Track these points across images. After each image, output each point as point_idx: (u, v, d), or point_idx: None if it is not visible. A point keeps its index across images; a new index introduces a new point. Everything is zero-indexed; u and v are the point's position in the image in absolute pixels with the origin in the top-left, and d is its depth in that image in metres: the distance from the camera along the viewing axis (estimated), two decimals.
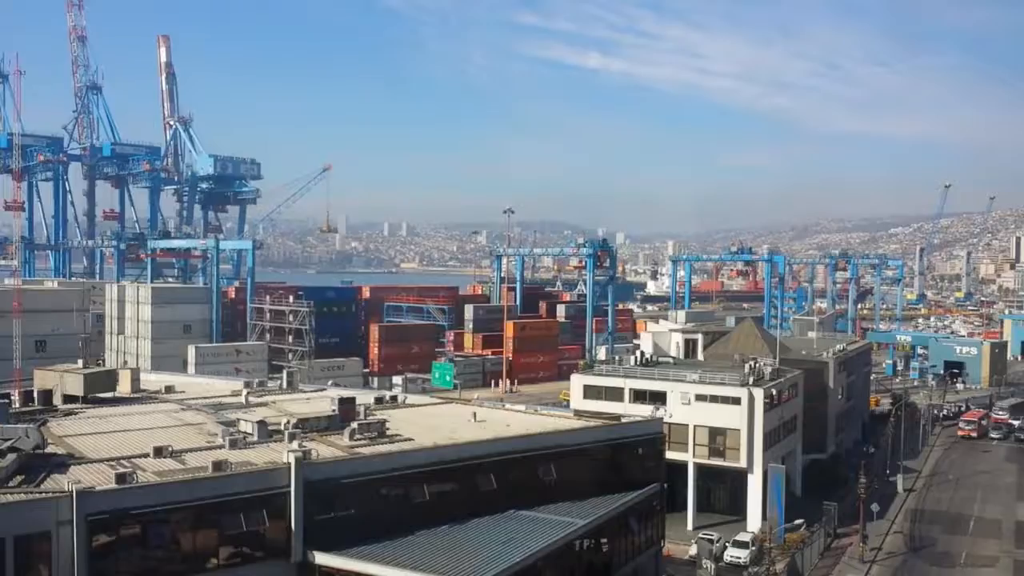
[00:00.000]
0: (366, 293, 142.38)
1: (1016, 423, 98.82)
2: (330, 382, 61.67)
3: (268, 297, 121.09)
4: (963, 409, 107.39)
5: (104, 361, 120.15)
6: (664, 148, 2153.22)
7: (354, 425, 39.42)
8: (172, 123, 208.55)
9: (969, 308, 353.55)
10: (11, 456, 31.32)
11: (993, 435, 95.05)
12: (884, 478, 74.16)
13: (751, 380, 61.58)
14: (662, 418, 47.66)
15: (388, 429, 40.23)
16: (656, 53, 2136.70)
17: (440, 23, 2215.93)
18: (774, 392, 62.37)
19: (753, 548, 55.68)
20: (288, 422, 39.50)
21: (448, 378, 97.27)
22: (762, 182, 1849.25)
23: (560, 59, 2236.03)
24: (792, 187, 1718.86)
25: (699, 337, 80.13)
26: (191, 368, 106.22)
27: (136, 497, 29.75)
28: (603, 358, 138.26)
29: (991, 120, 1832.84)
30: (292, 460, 32.85)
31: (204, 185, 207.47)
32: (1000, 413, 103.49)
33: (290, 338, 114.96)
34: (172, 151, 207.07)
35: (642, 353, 73.47)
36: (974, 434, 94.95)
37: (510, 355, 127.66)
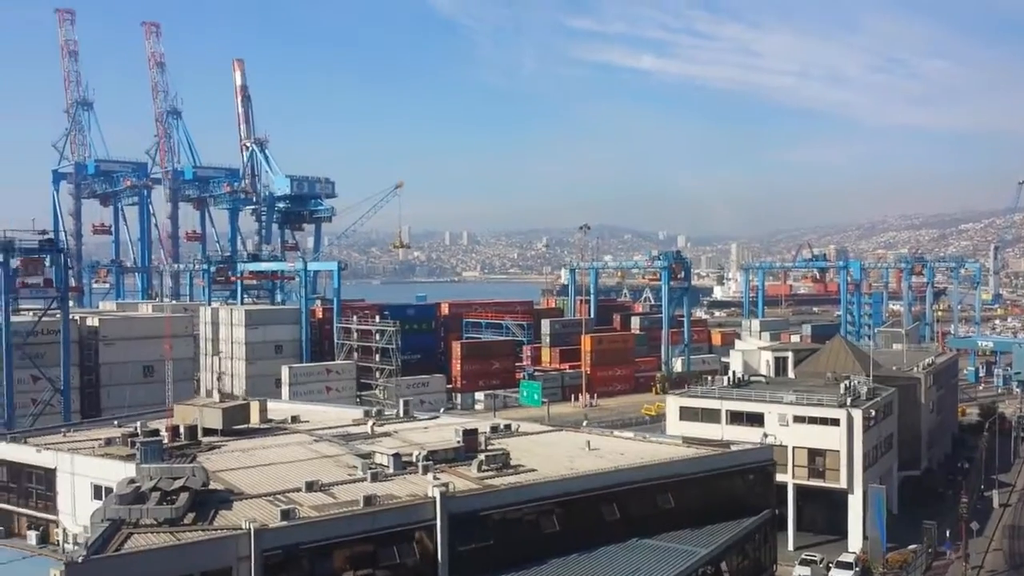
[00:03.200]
0: (445, 310, 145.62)
1: None
2: (442, 409, 64.23)
3: (355, 317, 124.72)
4: None
5: (199, 381, 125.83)
6: (722, 148, 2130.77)
7: (481, 457, 41.63)
8: (249, 144, 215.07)
9: None
10: (184, 495, 34.18)
11: None
12: (979, 493, 74.18)
13: (848, 400, 62.52)
14: (772, 445, 49.03)
15: (511, 460, 42.36)
16: (711, 52, 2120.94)
17: (495, 31, 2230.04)
18: (872, 412, 63.18)
19: (856, 569, 56.73)
20: (419, 454, 41.86)
21: (536, 396, 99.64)
22: (825, 179, 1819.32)
23: (613, 62, 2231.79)
24: (856, 184, 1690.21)
25: (789, 355, 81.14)
26: (284, 388, 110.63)
27: (304, 533, 32.38)
28: (679, 370, 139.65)
29: None
30: (437, 494, 35.22)
31: (281, 204, 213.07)
32: None
33: (377, 357, 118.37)
34: (249, 172, 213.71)
35: (734, 373, 74.78)
36: None
37: (588, 369, 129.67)
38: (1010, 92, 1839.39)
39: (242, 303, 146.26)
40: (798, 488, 63.01)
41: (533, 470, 41.31)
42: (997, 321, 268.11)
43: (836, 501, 63.60)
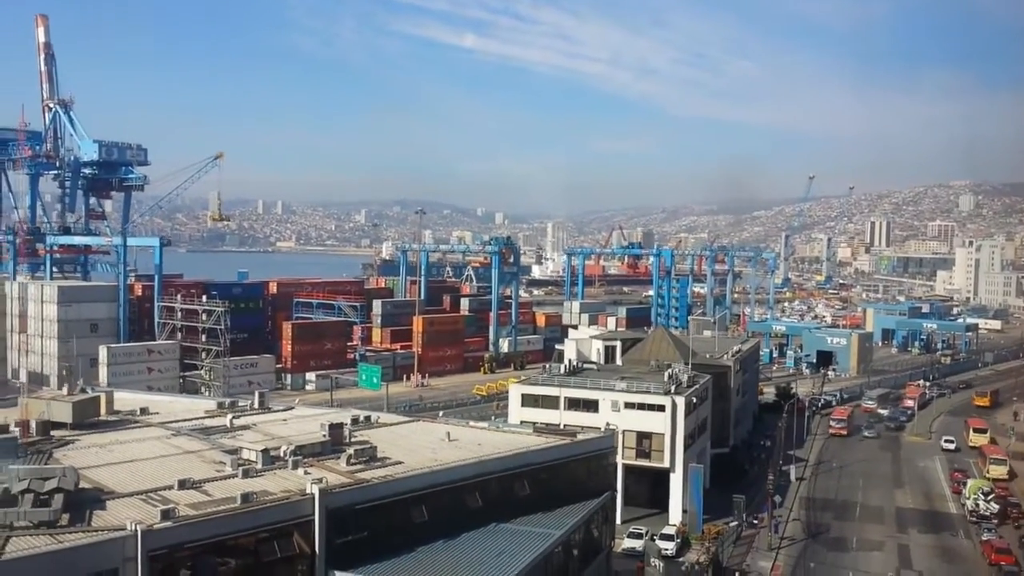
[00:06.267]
0: (273, 288, 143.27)
1: (884, 412, 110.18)
2: (297, 400, 64.51)
3: (179, 296, 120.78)
4: (838, 400, 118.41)
5: (6, 360, 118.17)
6: (541, 129, 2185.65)
7: (350, 451, 43.24)
8: (52, 105, 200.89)
9: (830, 291, 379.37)
10: (58, 496, 33.88)
11: (866, 434, 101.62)
12: (779, 468, 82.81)
13: (672, 388, 68.39)
14: (614, 432, 53.43)
15: (378, 452, 44.24)
16: (531, 36, 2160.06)
17: None
18: (693, 399, 69.44)
19: (677, 540, 62.78)
20: (287, 449, 42.95)
21: (375, 380, 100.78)
22: (634, 164, 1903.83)
23: (436, 38, 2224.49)
24: (662, 170, 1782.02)
25: (618, 344, 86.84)
26: (103, 368, 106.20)
27: (188, 532, 32.96)
28: (507, 350, 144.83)
29: (846, 110, 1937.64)
30: (316, 491, 36.70)
31: (88, 171, 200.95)
32: (869, 403, 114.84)
33: (203, 337, 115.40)
34: (52, 135, 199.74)
35: (569, 361, 79.47)
36: (844, 432, 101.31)
37: (420, 350, 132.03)
38: (806, 94, 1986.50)
39: (51, 278, 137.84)
40: (626, 467, 68.35)
41: (400, 462, 43.34)
42: (786, 304, 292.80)
43: (658, 478, 69.60)
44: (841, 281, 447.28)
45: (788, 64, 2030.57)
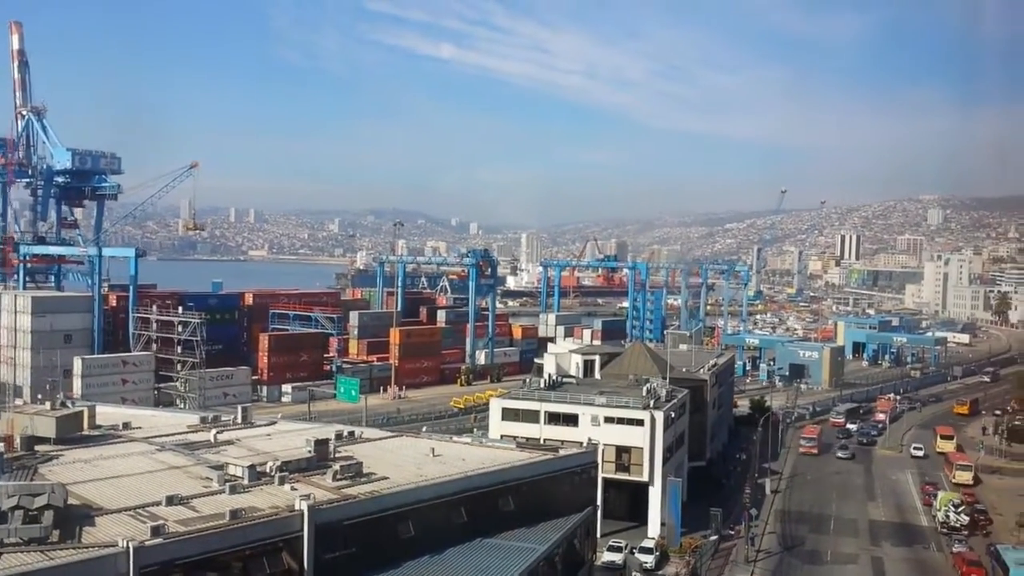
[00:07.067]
0: (249, 300, 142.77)
1: (852, 428, 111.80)
2: (279, 415, 64.60)
3: (154, 307, 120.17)
4: (810, 413, 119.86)
5: None
6: (517, 140, 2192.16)
7: (336, 467, 43.57)
8: (24, 113, 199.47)
9: (801, 304, 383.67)
10: (48, 513, 33.99)
11: (840, 455, 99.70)
12: (754, 481, 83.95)
13: (651, 403, 69.30)
14: (596, 448, 54.14)
15: (363, 468, 44.59)
16: (508, 48, 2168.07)
17: (293, 6, 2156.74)
18: (672, 413, 70.37)
19: (657, 553, 63.54)
20: (273, 464, 43.20)
21: (354, 393, 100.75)
22: (608, 177, 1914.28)
23: (414, 48, 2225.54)
24: (635, 182, 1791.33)
25: (596, 358, 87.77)
26: (77, 380, 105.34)
27: (179, 548, 33.14)
28: (483, 362, 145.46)
29: (816, 124, 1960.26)
30: (304, 507, 37.02)
31: (60, 179, 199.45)
32: (838, 418, 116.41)
33: (178, 348, 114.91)
34: (24, 143, 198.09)
35: (549, 375, 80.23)
36: (815, 451, 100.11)
37: (396, 362, 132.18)
38: (778, 107, 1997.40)
39: (24, 288, 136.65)
40: (606, 481, 68.93)
41: (386, 478, 43.72)
42: (758, 316, 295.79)
43: (637, 492, 70.36)
44: (812, 294, 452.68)
45: (762, 77, 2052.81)
